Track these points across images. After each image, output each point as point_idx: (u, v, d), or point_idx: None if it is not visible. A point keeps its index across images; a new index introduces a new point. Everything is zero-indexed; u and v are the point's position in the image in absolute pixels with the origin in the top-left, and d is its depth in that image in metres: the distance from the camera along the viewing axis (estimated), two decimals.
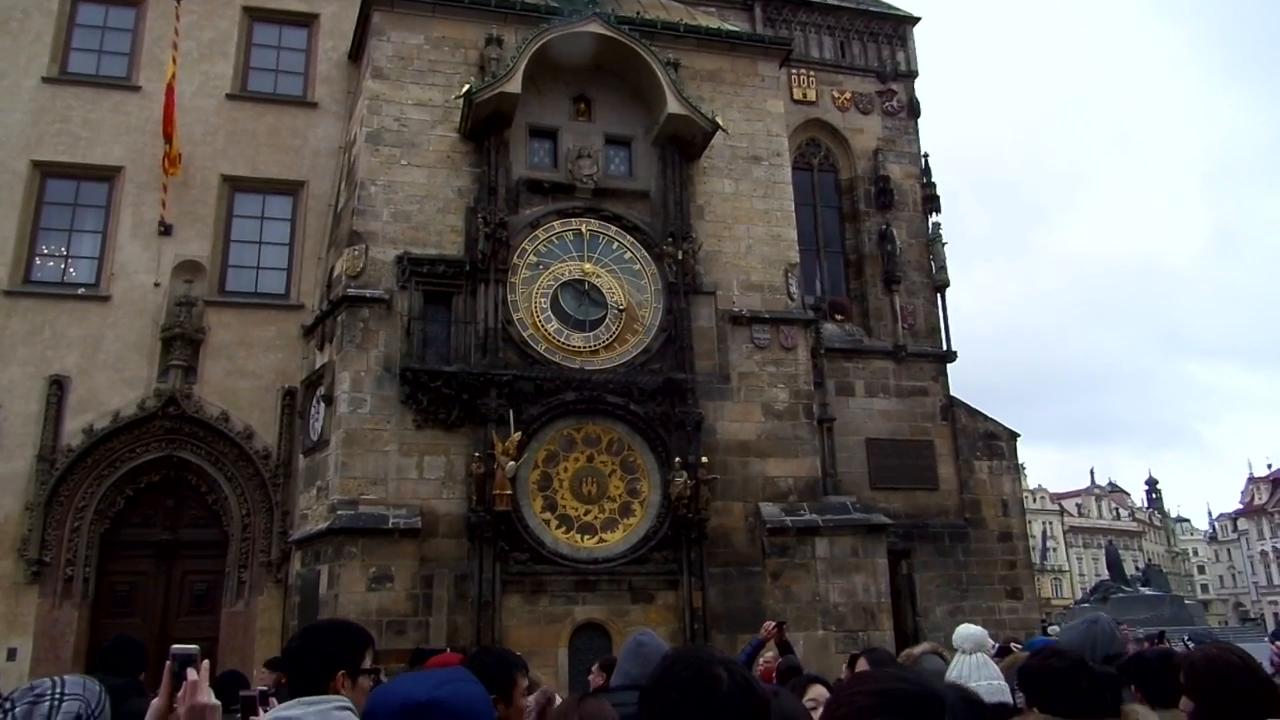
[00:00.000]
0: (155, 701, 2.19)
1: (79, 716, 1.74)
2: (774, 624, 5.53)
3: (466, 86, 12.63)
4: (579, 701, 2.45)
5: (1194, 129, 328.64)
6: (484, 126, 12.82)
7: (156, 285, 13.08)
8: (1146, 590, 29.37)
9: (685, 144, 13.58)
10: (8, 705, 1.73)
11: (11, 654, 11.48)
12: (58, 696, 1.75)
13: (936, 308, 16.48)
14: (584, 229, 12.93)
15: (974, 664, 3.21)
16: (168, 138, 13.12)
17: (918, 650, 3.95)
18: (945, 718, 0.97)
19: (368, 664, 2.35)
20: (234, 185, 13.93)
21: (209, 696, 2.10)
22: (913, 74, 17.66)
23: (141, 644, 4.19)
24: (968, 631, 3.49)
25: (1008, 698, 3.02)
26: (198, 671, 2.12)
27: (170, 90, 13.14)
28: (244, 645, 12.21)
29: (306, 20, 14.97)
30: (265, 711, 3.16)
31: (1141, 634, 13.11)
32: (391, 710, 1.64)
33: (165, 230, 13.25)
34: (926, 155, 17.21)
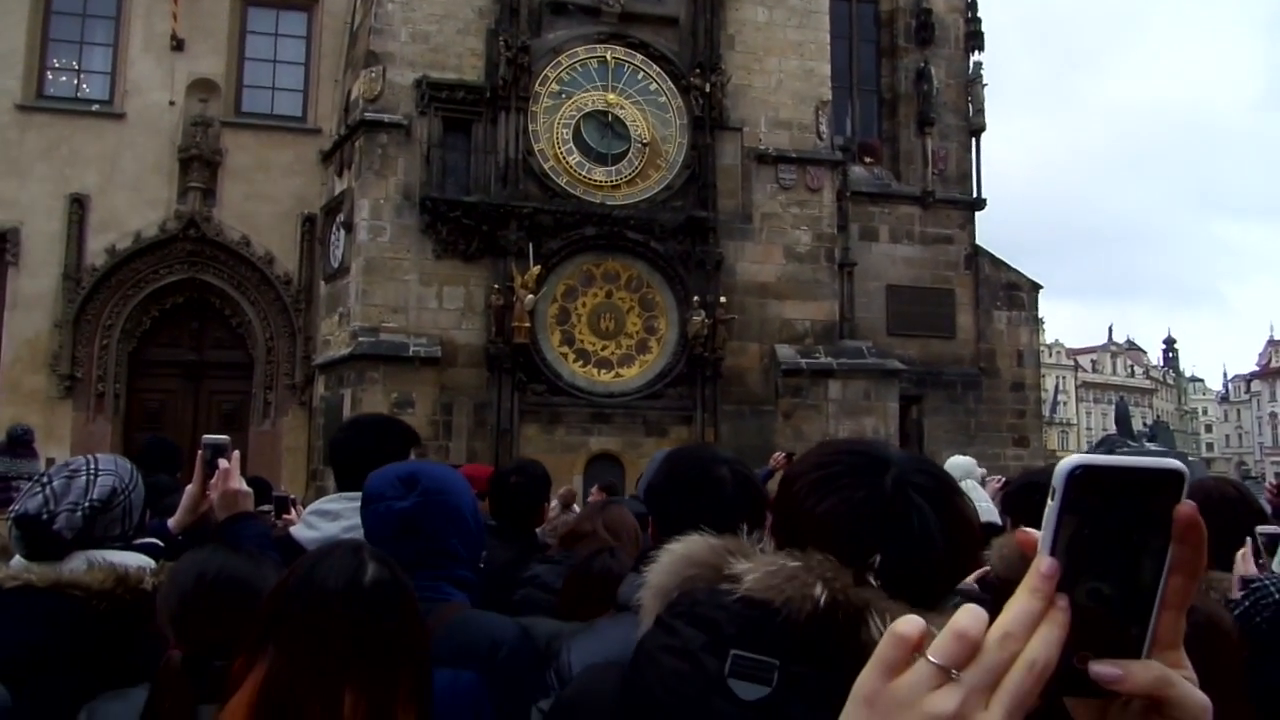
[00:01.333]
0: (189, 488, 2.28)
1: (114, 490, 1.81)
2: (783, 454, 5.65)
3: None
4: (602, 508, 2.53)
5: None
6: None
7: (171, 104, 12.82)
8: (1151, 445, 29.81)
9: None
10: (45, 479, 1.80)
11: (50, 464, 12.00)
12: (93, 471, 1.81)
13: (970, 153, 15.96)
14: (609, 56, 12.43)
15: (969, 489, 3.29)
16: None
17: None
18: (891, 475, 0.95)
19: (412, 459, 2.41)
20: None
21: (240, 483, 2.18)
22: None
23: (176, 445, 4.34)
24: (956, 460, 3.58)
25: (996, 519, 3.12)
26: (229, 460, 2.20)
27: None
28: (271, 462, 12.70)
29: None
30: (294, 511, 3.30)
31: None
32: (386, 479, 1.74)
33: (177, 45, 12.85)
34: None
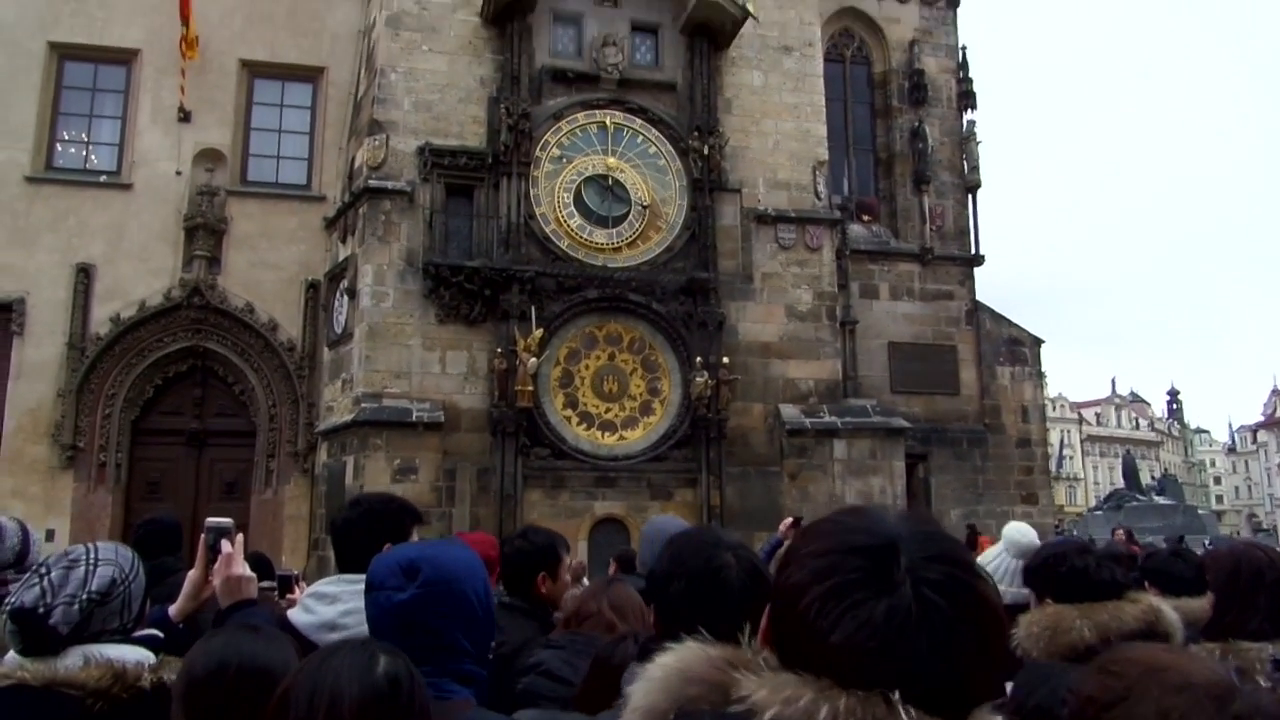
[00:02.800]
0: (191, 573, 2.23)
1: (114, 580, 1.76)
2: (791, 519, 5.57)
3: None
4: (607, 585, 2.47)
5: (1246, 20, 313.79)
6: (506, 11, 12.39)
7: (178, 174, 12.99)
8: (1160, 499, 29.51)
9: (714, 32, 13.10)
10: (43, 570, 1.75)
11: (50, 535, 11.88)
12: (93, 561, 1.77)
13: (966, 209, 16.13)
14: (608, 121, 12.63)
15: (1014, 569, 3.15)
16: (185, 19, 12.80)
17: None
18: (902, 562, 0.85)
19: (415, 539, 2.37)
20: (253, 71, 13.67)
21: (244, 568, 2.13)
22: None
23: (178, 522, 4.25)
24: (1018, 539, 3.23)
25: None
26: (232, 544, 2.15)
27: None
28: (273, 531, 12.58)
29: None
30: (297, 590, 3.23)
31: (1152, 540, 13.23)
32: (388, 566, 1.68)
33: (185, 117, 13.08)
34: (964, 48, 16.57)
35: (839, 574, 0.85)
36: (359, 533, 2.38)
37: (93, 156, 13.25)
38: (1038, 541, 3.26)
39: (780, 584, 0.90)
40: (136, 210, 12.87)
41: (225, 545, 2.14)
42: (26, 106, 12.82)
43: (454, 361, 11.77)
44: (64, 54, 13.18)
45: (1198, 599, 2.79)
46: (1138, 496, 30.67)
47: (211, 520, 2.22)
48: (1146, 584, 3.07)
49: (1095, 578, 2.27)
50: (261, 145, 13.64)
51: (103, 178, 13.02)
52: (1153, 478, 43.32)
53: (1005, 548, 3.25)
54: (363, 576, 2.23)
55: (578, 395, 12.02)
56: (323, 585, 2.29)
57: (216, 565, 2.14)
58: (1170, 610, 2.29)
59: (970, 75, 16.42)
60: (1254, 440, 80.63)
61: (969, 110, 16.39)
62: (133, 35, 13.23)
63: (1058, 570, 2.36)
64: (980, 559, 3.13)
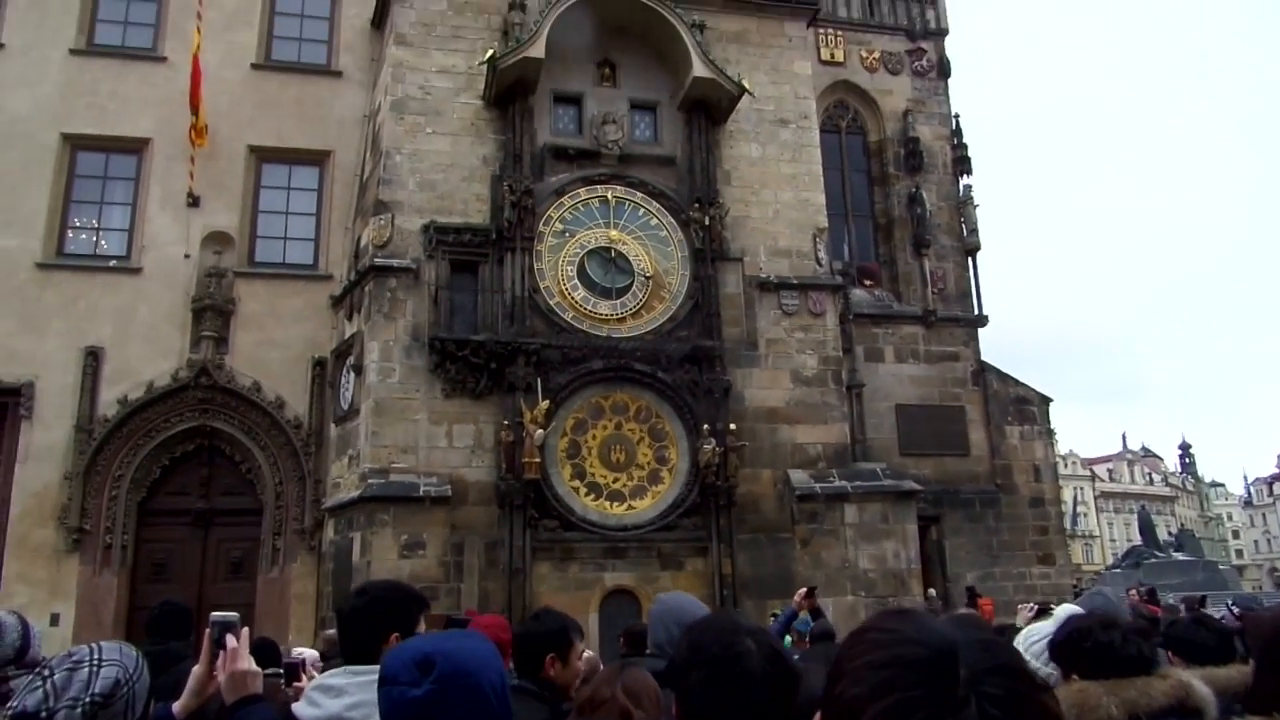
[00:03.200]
0: (196, 669, 2.20)
1: (118, 682, 1.74)
2: (805, 590, 5.50)
3: (490, 52, 12.51)
4: (620, 670, 2.42)
5: (1239, 71, 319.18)
6: (508, 93, 12.71)
7: (186, 257, 13.19)
8: (1179, 555, 29.04)
9: (711, 108, 13.39)
10: (46, 673, 1.73)
11: (55, 619, 11.76)
12: (96, 662, 1.75)
13: (967, 271, 16.26)
14: (610, 195, 12.84)
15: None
16: (194, 109, 13.14)
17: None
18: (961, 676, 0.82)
19: (422, 629, 2.34)
20: (260, 156, 13.97)
21: (249, 663, 2.10)
22: (943, 32, 17.29)
23: (187, 608, 4.24)
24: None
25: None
26: (237, 639, 2.13)
27: (196, 61, 13.14)
28: (279, 611, 12.43)
29: None
30: (305, 678, 3.19)
31: (1173, 599, 12.97)
32: (402, 661, 1.65)
33: (194, 202, 13.33)
34: (957, 116, 16.90)
35: (899, 690, 0.82)
36: (365, 622, 2.35)
37: (103, 242, 13.46)
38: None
39: (835, 696, 0.87)
40: (145, 293, 13.03)
41: (230, 640, 2.11)
42: (39, 195, 13.08)
43: (460, 435, 11.76)
44: (76, 144, 13.51)
45: (1225, 668, 2.73)
46: (1156, 553, 30.21)
47: (217, 614, 2.20)
48: (1170, 654, 3.00)
49: (1122, 653, 2.23)
50: (269, 227, 13.87)
51: (112, 262, 13.22)
52: (1170, 533, 42.71)
53: (1054, 627, 3.20)
54: (370, 668, 2.20)
55: (585, 466, 11.98)
56: (329, 678, 2.26)
57: (221, 660, 2.11)
58: (1201, 684, 2.24)
59: (964, 141, 16.73)
60: (1270, 492, 79.64)
61: (964, 175, 16.65)
62: (144, 125, 13.58)
63: (1082, 645, 2.32)
64: (1027, 635, 3.06)
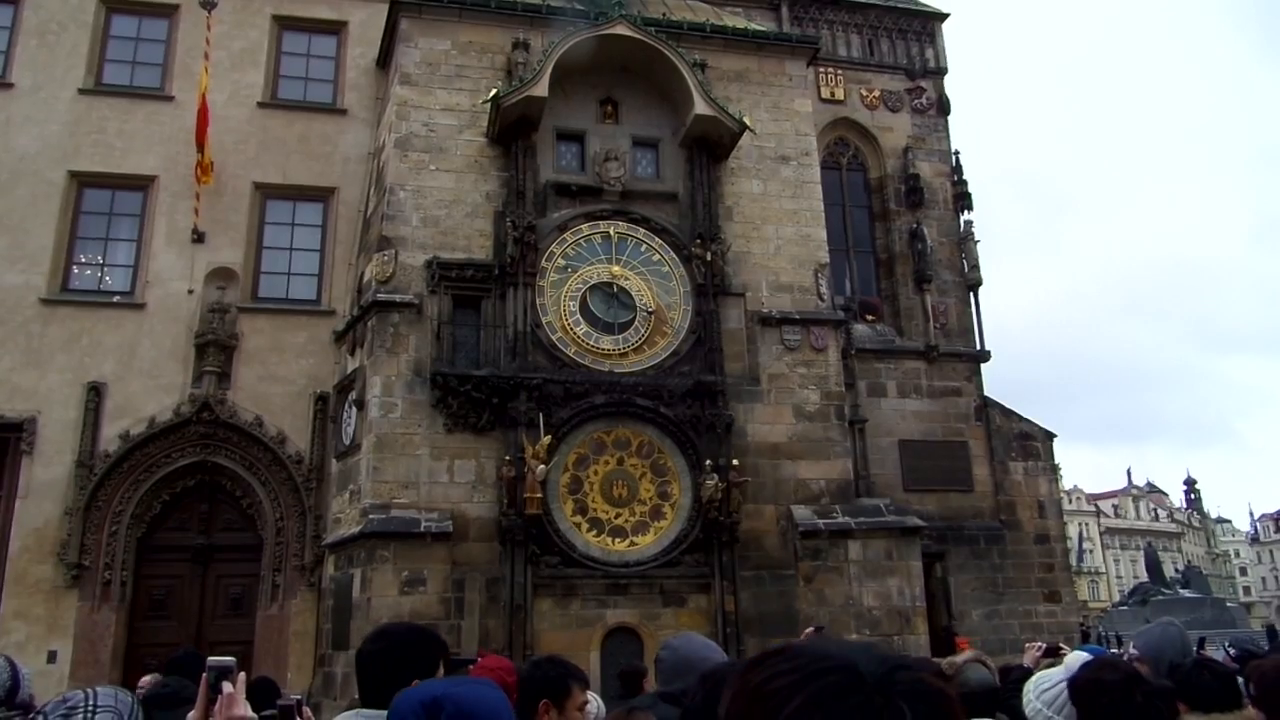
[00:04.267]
0: (192, 714, 2.17)
1: None
2: (811, 630, 5.44)
3: (494, 91, 12.65)
4: (628, 714, 2.39)
5: (1234, 113, 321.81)
6: (511, 131, 12.84)
7: (190, 292, 13.25)
8: (1186, 593, 28.82)
9: (713, 145, 13.51)
10: (40, 719, 1.71)
11: (52, 656, 11.66)
12: (91, 708, 1.73)
13: (969, 307, 16.27)
14: (612, 231, 12.91)
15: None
16: (200, 146, 13.28)
17: (960, 659, 3.84)
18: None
19: (441, 674, 2.31)
20: (265, 193, 14.09)
21: (245, 709, 2.08)
22: (942, 71, 17.46)
23: (201, 656, 4.29)
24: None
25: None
26: (233, 684, 2.10)
27: (203, 99, 13.29)
28: (278, 648, 12.32)
29: (335, 28, 15.10)
30: (300, 719, 3.14)
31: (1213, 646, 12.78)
32: (411, 706, 1.63)
33: (198, 238, 13.42)
34: (957, 153, 17.02)
35: (820, 680, 0.88)
36: (382, 666, 2.33)
37: (107, 278, 13.54)
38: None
39: (752, 689, 0.91)
40: (149, 329, 13.08)
41: (226, 686, 2.09)
42: (45, 231, 13.18)
43: (462, 470, 11.72)
44: (83, 181, 13.63)
45: (1230, 714, 2.70)
46: (1163, 590, 29.95)
47: (213, 660, 2.18)
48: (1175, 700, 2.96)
49: (1144, 715, 2.20)
50: (273, 263, 13.95)
51: (116, 298, 13.28)
52: (1176, 570, 42.35)
53: (1066, 675, 3.16)
54: (381, 714, 2.18)
55: (587, 501, 11.92)
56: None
57: (217, 706, 2.09)
58: None
59: (964, 178, 16.83)
60: (1277, 529, 79.00)
61: (965, 211, 16.72)
62: (150, 163, 13.71)
63: (1102, 700, 2.29)
64: (1038, 682, 3.01)
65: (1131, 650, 3.83)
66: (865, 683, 0.87)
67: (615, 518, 11.94)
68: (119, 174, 13.66)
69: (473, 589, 11.27)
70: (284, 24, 14.95)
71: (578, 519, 11.82)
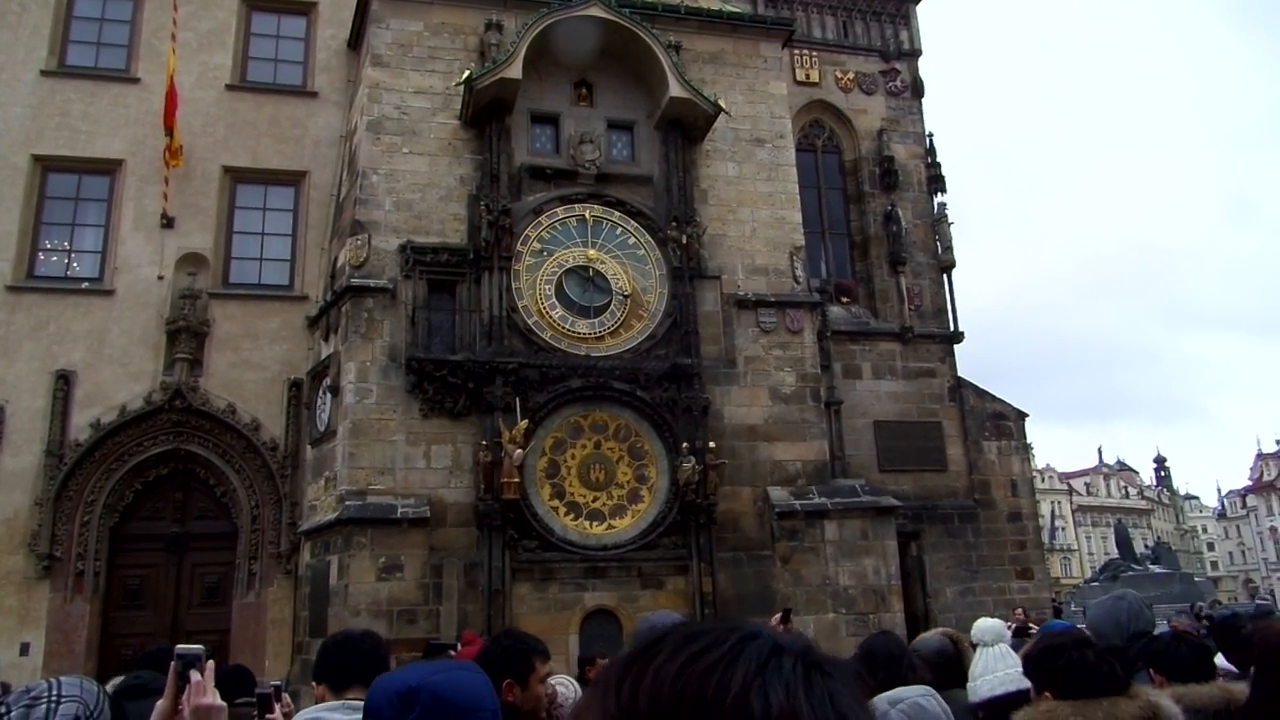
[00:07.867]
0: (160, 703, 2.15)
1: (77, 718, 1.70)
2: (780, 615, 5.45)
3: (467, 73, 12.53)
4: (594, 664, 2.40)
5: (1203, 91, 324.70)
6: (485, 113, 12.73)
7: (160, 278, 13.06)
8: (1156, 568, 29.26)
9: (688, 127, 13.47)
10: (2, 710, 1.69)
11: (25, 648, 11.54)
12: (54, 698, 1.71)
13: (943, 288, 16.39)
14: (587, 215, 12.86)
15: (995, 655, 3.15)
16: (168, 130, 13.07)
17: (930, 635, 3.90)
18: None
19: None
20: (235, 176, 13.89)
21: (214, 697, 2.06)
22: (916, 53, 17.50)
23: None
24: (987, 625, 3.44)
25: (1027, 684, 2.98)
26: (202, 673, 2.09)
27: (171, 82, 13.07)
28: (255, 636, 12.26)
29: (305, 9, 14.88)
30: (278, 707, 3.13)
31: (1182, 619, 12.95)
32: (387, 696, 1.62)
33: (167, 223, 13.23)
34: (931, 135, 17.08)
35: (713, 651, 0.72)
36: (342, 660, 2.32)
37: (74, 264, 13.32)
38: (1000, 625, 3.32)
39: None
40: (118, 316, 12.89)
41: (194, 674, 2.07)
42: (9, 217, 12.94)
43: (438, 456, 11.68)
44: (47, 166, 13.38)
45: (1205, 685, 2.74)
46: (1133, 566, 30.41)
47: (181, 647, 2.16)
48: (1151, 671, 3.01)
49: (1095, 672, 2.23)
50: (244, 248, 13.78)
51: (84, 285, 13.07)
52: (1146, 546, 43.02)
53: (979, 640, 3.29)
54: (358, 702, 2.17)
55: (565, 485, 11.92)
56: (320, 711, 2.23)
57: (185, 694, 2.07)
58: (1170, 704, 2.25)
59: (938, 160, 16.90)
60: (1244, 505, 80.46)
61: (939, 193, 16.81)
62: (116, 146, 13.47)
63: (1055, 664, 2.32)
64: (975, 663, 3.09)
65: (1083, 622, 3.94)
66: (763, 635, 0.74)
67: (593, 501, 11.96)
68: (84, 158, 13.41)
69: (451, 574, 11.25)
70: (252, 5, 14.71)
71: (555, 503, 11.82)
